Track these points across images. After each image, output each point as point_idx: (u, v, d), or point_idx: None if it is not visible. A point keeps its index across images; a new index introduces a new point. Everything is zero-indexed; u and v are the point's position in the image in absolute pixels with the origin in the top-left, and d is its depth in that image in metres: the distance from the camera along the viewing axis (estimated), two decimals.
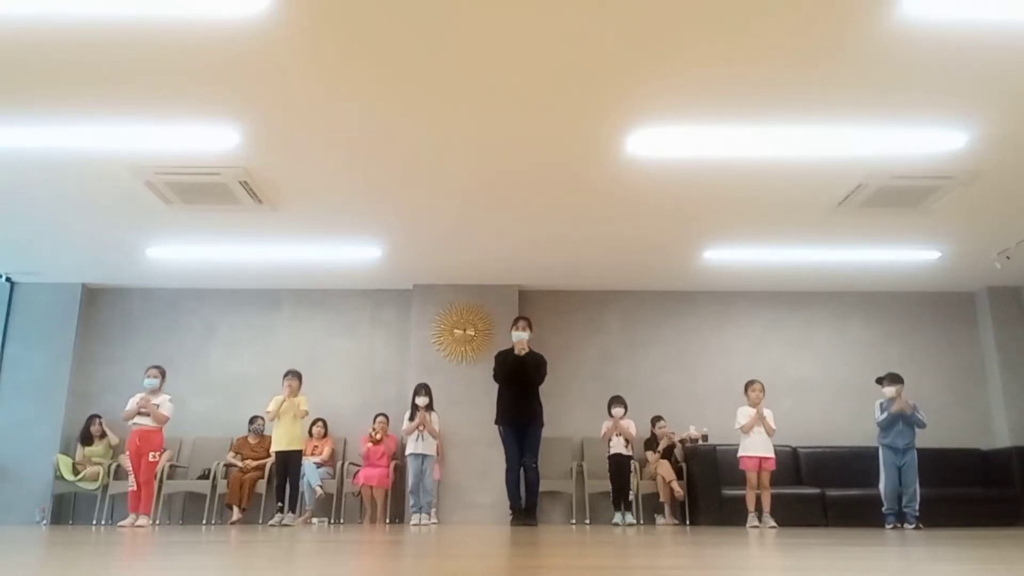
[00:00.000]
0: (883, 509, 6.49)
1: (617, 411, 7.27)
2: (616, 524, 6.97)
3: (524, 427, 6.27)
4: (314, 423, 7.84)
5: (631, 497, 7.21)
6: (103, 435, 7.80)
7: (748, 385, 6.70)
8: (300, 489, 7.01)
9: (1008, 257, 7.26)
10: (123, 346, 8.43)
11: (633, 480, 7.29)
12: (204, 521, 7.57)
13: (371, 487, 7.39)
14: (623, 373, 8.38)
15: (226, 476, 7.62)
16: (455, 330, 8.21)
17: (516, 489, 6.23)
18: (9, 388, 8.09)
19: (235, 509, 7.35)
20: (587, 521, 7.69)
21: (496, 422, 6.41)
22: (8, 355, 8.18)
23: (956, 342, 8.47)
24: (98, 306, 8.52)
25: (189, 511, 7.91)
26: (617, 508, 7.07)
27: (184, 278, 8.23)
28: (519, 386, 6.28)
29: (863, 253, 7.38)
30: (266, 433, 7.86)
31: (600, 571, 1.93)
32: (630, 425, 7.27)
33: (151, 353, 8.39)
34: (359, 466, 7.64)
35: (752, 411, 6.59)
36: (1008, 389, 8.10)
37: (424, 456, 7.02)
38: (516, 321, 6.47)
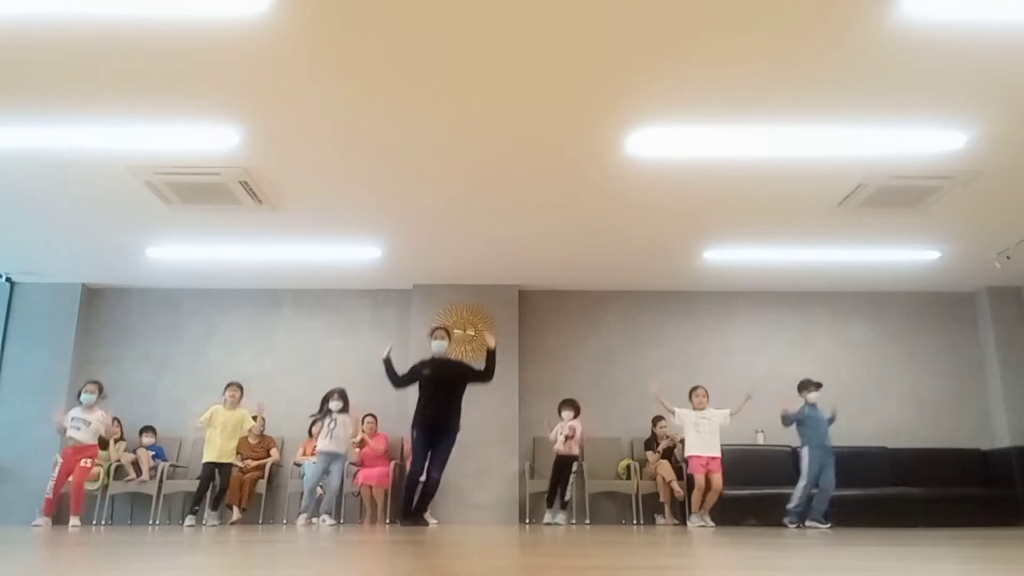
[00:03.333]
0: (792, 507, 6.51)
1: (566, 414, 7.20)
2: (548, 523, 6.99)
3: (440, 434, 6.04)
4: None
5: (567, 497, 7.17)
6: (120, 438, 7.79)
7: (692, 391, 6.85)
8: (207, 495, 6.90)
9: (1008, 257, 7.26)
10: (123, 346, 8.43)
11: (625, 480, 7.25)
12: (204, 521, 7.56)
13: (371, 487, 7.39)
14: (623, 373, 8.38)
15: None
16: (455, 330, 8.21)
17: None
18: (9, 388, 8.09)
19: (235, 509, 7.35)
20: (587, 521, 7.69)
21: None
22: (8, 355, 8.18)
23: (956, 342, 8.48)
24: (98, 306, 8.52)
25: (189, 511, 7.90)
26: (550, 506, 7.08)
27: (184, 278, 8.23)
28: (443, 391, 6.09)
29: (863, 253, 7.38)
30: (266, 433, 7.85)
31: (600, 571, 1.93)
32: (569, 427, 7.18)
33: (151, 353, 8.40)
34: (359, 466, 7.64)
35: (693, 413, 6.73)
36: (1008, 389, 8.10)
37: (333, 455, 6.83)
38: (435, 331, 6.30)
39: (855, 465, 7.39)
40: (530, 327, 8.46)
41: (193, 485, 7.64)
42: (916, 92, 4.53)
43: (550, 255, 7.47)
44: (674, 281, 8.31)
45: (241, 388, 6.85)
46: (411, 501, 6.05)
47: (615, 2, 3.73)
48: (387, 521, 7.45)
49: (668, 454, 7.62)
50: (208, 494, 6.80)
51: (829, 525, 6.36)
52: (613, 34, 3.99)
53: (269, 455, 7.79)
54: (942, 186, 5.80)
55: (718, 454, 6.64)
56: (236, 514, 7.33)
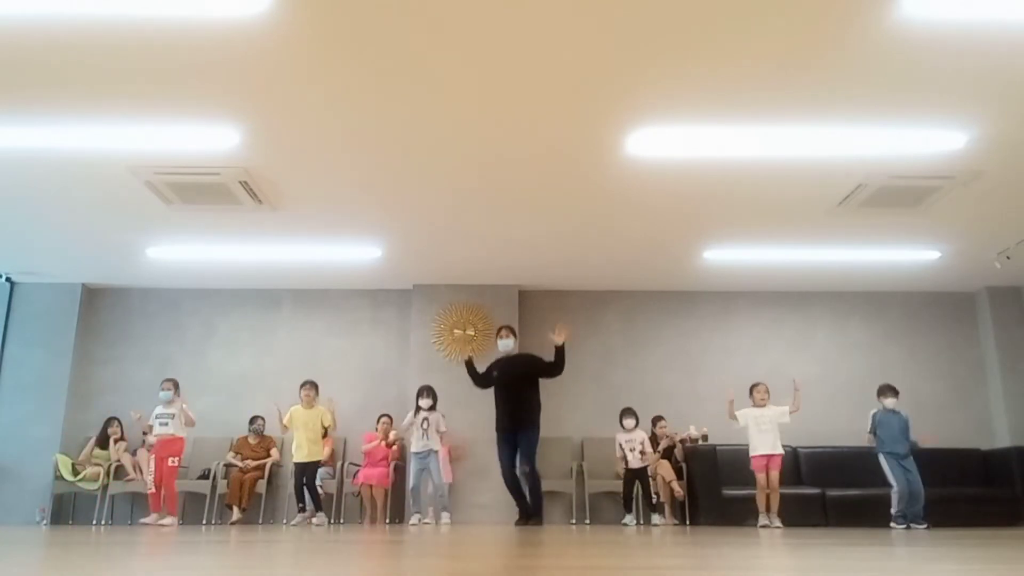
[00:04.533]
0: (896, 512, 6.46)
1: (629, 422, 7.24)
2: (627, 524, 7.02)
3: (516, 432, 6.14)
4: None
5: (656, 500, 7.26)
6: (120, 438, 7.79)
7: (753, 388, 6.76)
8: (319, 492, 7.05)
9: (1008, 257, 7.26)
10: (123, 346, 8.44)
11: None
12: (204, 521, 7.57)
13: (371, 487, 7.39)
14: (623, 373, 8.39)
15: (226, 476, 7.62)
16: (455, 330, 8.22)
17: (517, 490, 6.13)
18: (9, 388, 8.09)
19: (235, 509, 7.36)
20: (587, 521, 7.69)
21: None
22: (8, 355, 8.19)
23: (956, 342, 8.48)
24: (98, 306, 8.53)
25: (189, 511, 7.90)
26: (630, 510, 7.15)
27: (184, 278, 8.24)
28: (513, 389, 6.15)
29: (863, 253, 7.38)
30: (266, 433, 7.87)
31: (600, 571, 1.93)
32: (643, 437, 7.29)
33: (151, 353, 8.40)
34: (359, 466, 7.65)
35: (754, 411, 6.64)
36: (1008, 389, 8.10)
37: (428, 453, 6.92)
38: (499, 330, 6.37)
39: (855, 465, 7.38)
40: (530, 327, 8.46)
41: (193, 485, 7.68)
42: (916, 92, 4.53)
43: (550, 255, 7.47)
44: (674, 281, 8.31)
45: (315, 386, 6.93)
46: (520, 497, 6.06)
47: (615, 3, 3.73)
48: (387, 521, 7.45)
49: (668, 454, 7.62)
50: (305, 493, 6.87)
51: (926, 526, 6.30)
52: (613, 34, 3.99)
53: (269, 455, 7.80)
54: (942, 186, 5.80)
55: (779, 452, 6.53)
56: (236, 514, 7.33)
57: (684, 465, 7.60)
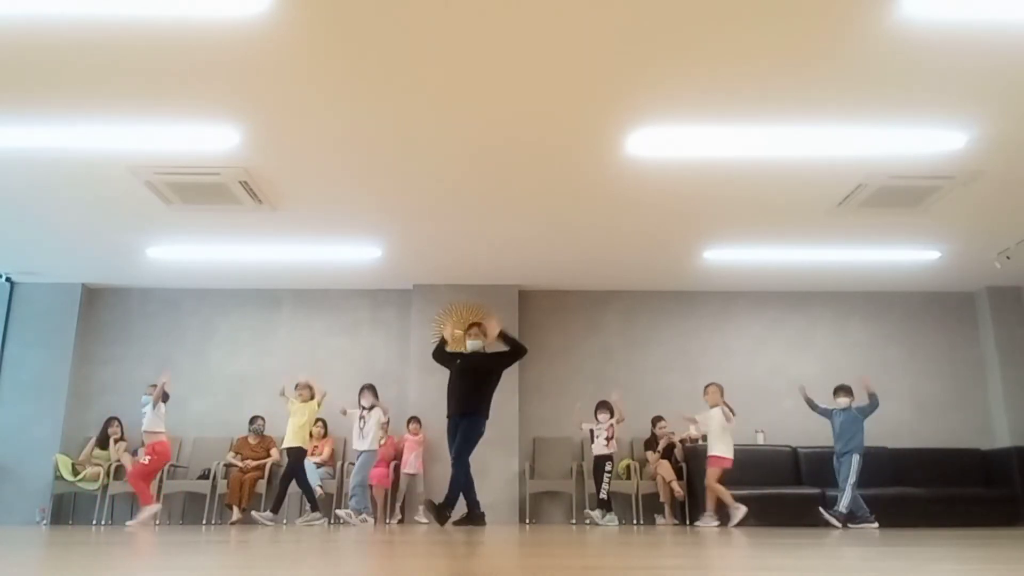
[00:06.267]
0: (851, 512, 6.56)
1: (604, 416, 7.30)
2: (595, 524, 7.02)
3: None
4: (314, 423, 7.85)
5: (603, 495, 7.16)
6: (120, 438, 7.79)
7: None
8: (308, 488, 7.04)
9: (1008, 257, 7.27)
10: (123, 346, 8.44)
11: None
12: (204, 521, 7.57)
13: (371, 487, 7.39)
14: (623, 373, 8.38)
15: (226, 476, 7.62)
16: (455, 330, 8.21)
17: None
18: (9, 388, 8.09)
19: (235, 509, 7.36)
20: (587, 521, 7.69)
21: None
22: (8, 355, 8.19)
23: (956, 342, 8.48)
24: (98, 306, 8.53)
25: (189, 511, 7.91)
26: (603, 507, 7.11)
27: (184, 278, 8.24)
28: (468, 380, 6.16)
29: (863, 253, 7.38)
30: (266, 433, 7.88)
31: (600, 571, 1.93)
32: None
33: (151, 353, 8.40)
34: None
35: (708, 413, 6.85)
36: (1008, 389, 8.10)
37: (359, 452, 6.96)
38: (469, 328, 6.42)
39: None
40: (530, 327, 8.46)
41: (194, 485, 7.69)
42: (916, 92, 4.53)
43: (550, 255, 7.47)
44: (674, 281, 8.31)
45: (310, 388, 7.03)
46: (469, 494, 6.14)
47: (615, 3, 3.73)
48: (387, 521, 7.45)
49: (668, 454, 7.62)
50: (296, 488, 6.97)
51: (840, 524, 6.41)
52: (613, 35, 3.99)
53: (269, 455, 7.80)
54: (942, 186, 5.80)
55: (712, 453, 6.69)
56: (236, 514, 7.33)
57: (684, 465, 7.61)
